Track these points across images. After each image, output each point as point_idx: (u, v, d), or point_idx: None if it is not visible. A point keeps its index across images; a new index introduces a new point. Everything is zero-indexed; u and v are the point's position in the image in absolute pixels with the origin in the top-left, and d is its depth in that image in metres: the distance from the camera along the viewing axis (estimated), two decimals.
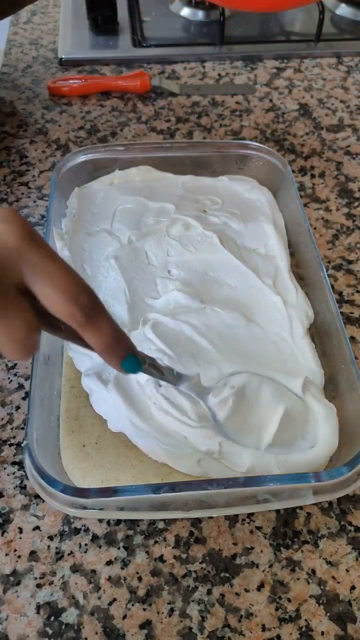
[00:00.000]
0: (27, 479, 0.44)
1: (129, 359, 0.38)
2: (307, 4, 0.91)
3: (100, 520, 0.44)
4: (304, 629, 0.40)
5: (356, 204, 0.69)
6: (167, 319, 0.50)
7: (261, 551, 0.43)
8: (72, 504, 0.39)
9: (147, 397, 0.45)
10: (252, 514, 0.44)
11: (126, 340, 0.38)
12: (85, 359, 0.48)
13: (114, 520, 0.44)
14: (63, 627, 0.40)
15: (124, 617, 0.40)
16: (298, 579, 0.42)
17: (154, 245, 0.57)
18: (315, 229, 0.66)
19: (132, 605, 0.40)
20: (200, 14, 0.97)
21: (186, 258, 0.56)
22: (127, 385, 0.46)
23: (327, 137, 0.78)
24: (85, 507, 0.40)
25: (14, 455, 0.48)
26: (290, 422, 0.44)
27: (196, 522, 0.44)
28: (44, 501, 0.43)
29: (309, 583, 0.42)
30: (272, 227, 0.59)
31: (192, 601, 0.41)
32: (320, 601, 0.41)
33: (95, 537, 0.43)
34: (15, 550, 0.43)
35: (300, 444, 0.44)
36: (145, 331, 0.49)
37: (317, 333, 0.51)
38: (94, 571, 0.42)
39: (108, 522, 0.44)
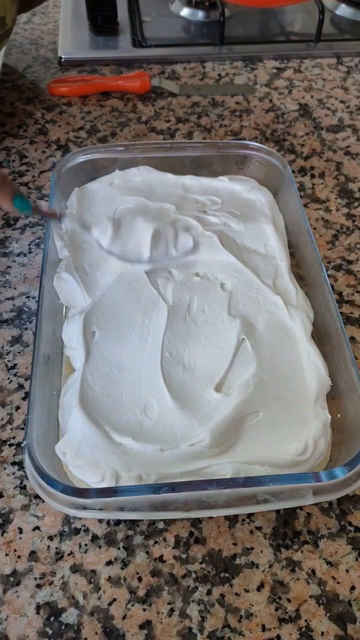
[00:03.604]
0: (27, 479, 0.44)
1: (17, 199, 0.47)
2: (304, 0, 0.92)
3: (100, 521, 0.44)
4: (303, 629, 0.40)
5: (356, 204, 0.69)
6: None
7: (261, 551, 0.43)
8: (72, 504, 0.39)
9: None
10: (252, 514, 0.44)
11: (11, 183, 0.47)
12: (78, 357, 0.48)
13: (114, 520, 0.44)
14: (63, 627, 0.40)
15: (124, 617, 0.40)
16: (298, 579, 0.42)
17: None
18: (315, 229, 0.66)
19: (132, 605, 0.40)
20: (200, 14, 0.97)
21: (186, 258, 0.56)
22: None
23: (327, 137, 0.78)
24: (85, 507, 0.39)
25: (14, 455, 0.48)
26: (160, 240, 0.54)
27: (196, 522, 0.44)
28: (43, 501, 0.43)
29: (309, 583, 0.42)
30: (272, 227, 0.59)
31: (192, 601, 0.41)
32: (320, 601, 0.41)
33: (95, 537, 0.43)
34: (15, 551, 0.43)
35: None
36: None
37: (317, 333, 0.51)
38: (93, 571, 0.42)
39: (108, 522, 0.44)
